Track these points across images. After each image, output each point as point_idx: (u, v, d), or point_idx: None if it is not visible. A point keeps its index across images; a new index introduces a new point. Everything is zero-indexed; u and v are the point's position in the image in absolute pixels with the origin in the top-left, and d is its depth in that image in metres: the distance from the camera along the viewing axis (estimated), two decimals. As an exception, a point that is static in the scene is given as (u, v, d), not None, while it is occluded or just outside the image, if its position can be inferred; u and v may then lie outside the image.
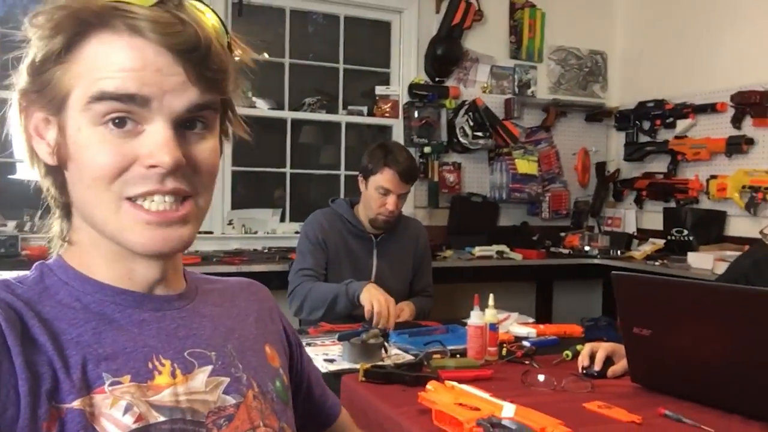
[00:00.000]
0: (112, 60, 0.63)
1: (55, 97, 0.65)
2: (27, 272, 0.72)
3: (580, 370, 1.71)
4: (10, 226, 3.17)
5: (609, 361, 1.71)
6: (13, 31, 0.66)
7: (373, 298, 2.18)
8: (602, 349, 1.72)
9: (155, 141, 0.64)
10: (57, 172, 0.70)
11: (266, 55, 3.85)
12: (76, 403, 0.62)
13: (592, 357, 1.72)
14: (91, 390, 0.64)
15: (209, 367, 0.73)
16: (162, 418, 0.66)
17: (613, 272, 1.57)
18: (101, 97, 0.62)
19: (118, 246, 0.69)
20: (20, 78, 0.67)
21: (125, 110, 0.63)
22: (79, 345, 0.65)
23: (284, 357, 0.88)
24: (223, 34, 0.69)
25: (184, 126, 0.67)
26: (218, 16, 0.70)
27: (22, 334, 0.63)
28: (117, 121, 0.63)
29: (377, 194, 2.46)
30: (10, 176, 3.32)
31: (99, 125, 0.64)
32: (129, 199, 0.65)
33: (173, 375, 0.69)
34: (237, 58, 0.73)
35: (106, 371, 0.65)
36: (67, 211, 0.72)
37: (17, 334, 0.62)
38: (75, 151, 0.65)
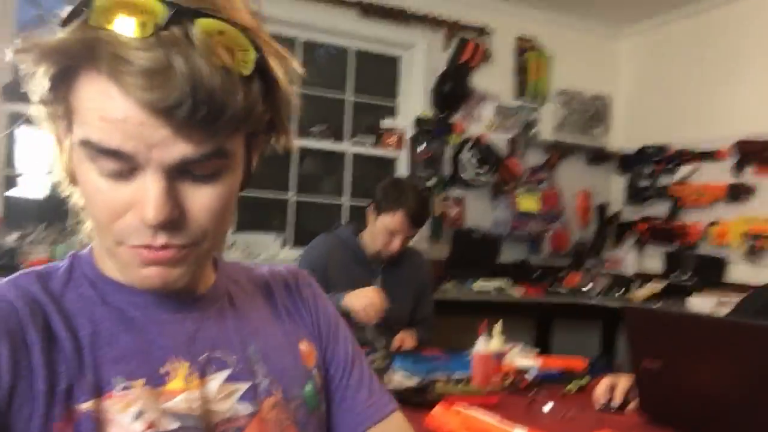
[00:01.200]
0: (95, 104, 0.56)
1: (65, 117, 0.61)
2: (61, 262, 0.71)
3: (596, 406, 1.68)
4: (11, 238, 3.15)
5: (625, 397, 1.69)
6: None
7: (356, 296, 2.17)
8: (622, 382, 1.69)
9: (144, 195, 0.58)
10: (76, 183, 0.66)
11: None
12: (87, 406, 0.61)
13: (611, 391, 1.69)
14: (103, 393, 0.62)
15: (226, 372, 0.70)
16: (174, 426, 0.64)
17: (626, 306, 1.57)
18: (88, 144, 0.58)
19: None
20: (38, 88, 0.61)
21: (114, 161, 0.57)
22: (95, 344, 0.64)
23: (319, 350, 0.83)
24: (247, 54, 0.58)
25: (185, 172, 0.59)
26: (247, 32, 0.59)
27: (44, 329, 0.62)
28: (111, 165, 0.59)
29: (385, 232, 2.45)
30: (9, 192, 3.33)
31: (95, 162, 0.59)
32: (126, 245, 0.62)
33: (188, 380, 0.67)
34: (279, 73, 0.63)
35: (119, 374, 0.64)
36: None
37: (39, 329, 0.61)
38: (78, 178, 0.63)
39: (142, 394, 0.63)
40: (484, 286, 3.82)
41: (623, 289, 4.07)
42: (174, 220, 0.59)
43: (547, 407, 1.65)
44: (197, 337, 0.70)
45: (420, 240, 4.12)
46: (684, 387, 1.49)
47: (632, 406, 1.65)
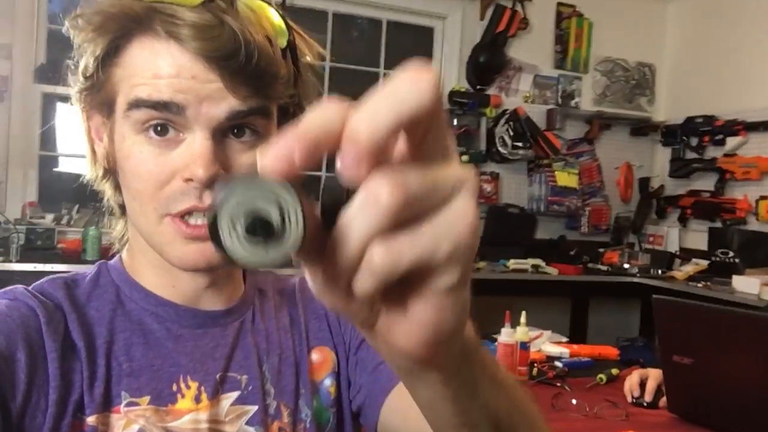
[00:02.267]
0: (149, 66, 0.60)
1: (106, 101, 0.63)
2: (89, 269, 0.71)
3: (629, 399, 1.63)
4: (48, 219, 3.22)
5: (659, 389, 1.62)
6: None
7: None
8: (653, 378, 1.63)
9: (191, 152, 0.60)
10: (113, 175, 0.68)
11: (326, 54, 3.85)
12: (93, 419, 0.61)
13: (641, 385, 1.64)
14: (109, 407, 0.62)
15: (236, 394, 0.68)
16: None
17: (654, 296, 1.50)
18: (137, 104, 0.60)
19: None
20: (77, 78, 0.65)
21: (163, 117, 0.60)
22: (109, 354, 0.64)
23: (343, 350, 0.77)
24: (283, 33, 0.64)
25: (230, 134, 0.62)
26: (281, 14, 0.65)
27: (63, 338, 0.62)
28: (159, 128, 0.60)
29: None
30: (55, 169, 3.39)
31: (140, 133, 0.61)
32: (171, 214, 0.62)
33: (197, 399, 0.65)
34: (308, 58, 0.68)
35: (126, 389, 0.63)
36: (124, 212, 0.71)
37: (58, 338, 0.61)
38: (120, 160, 0.64)
39: (145, 413, 0.63)
40: (520, 263, 3.74)
41: (665, 266, 3.94)
42: (220, 179, 0.60)
43: (572, 401, 1.59)
44: (214, 355, 0.69)
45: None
46: (715, 384, 1.42)
47: (664, 400, 1.59)
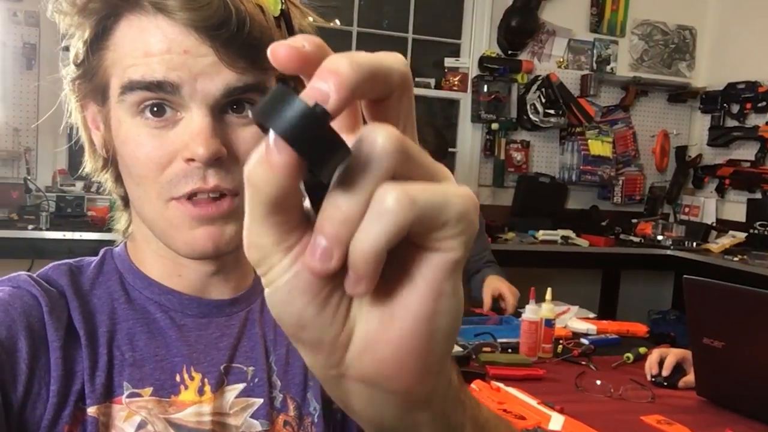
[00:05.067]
0: (138, 44, 0.57)
1: (99, 87, 0.61)
2: (94, 258, 0.70)
3: (648, 378, 1.59)
4: (78, 186, 3.25)
5: (680, 368, 1.58)
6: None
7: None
8: (672, 354, 1.59)
9: (190, 131, 0.57)
10: (113, 164, 0.65)
11: (338, 22, 3.77)
12: (93, 410, 0.59)
13: (661, 363, 1.59)
14: (112, 396, 0.61)
15: (241, 386, 0.66)
16: None
17: (684, 276, 1.44)
18: (131, 86, 0.57)
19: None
20: (69, 67, 0.63)
21: (158, 98, 0.57)
22: (111, 343, 0.62)
23: None
24: (276, 1, 0.61)
25: (229, 110, 0.59)
26: None
27: (66, 326, 0.61)
28: (155, 109, 0.58)
29: None
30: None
31: (136, 116, 0.59)
32: (175, 198, 0.60)
33: (200, 391, 0.64)
34: (305, 22, 0.66)
35: (129, 380, 0.61)
36: (127, 203, 0.69)
37: (60, 327, 0.60)
38: (119, 146, 0.61)
39: (147, 404, 0.61)
40: (549, 234, 3.67)
41: (701, 238, 3.83)
42: (222, 159, 0.58)
43: (597, 382, 1.56)
44: (219, 345, 0.67)
45: (482, 186, 4.00)
46: (746, 369, 1.37)
47: (686, 379, 1.54)
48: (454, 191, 0.28)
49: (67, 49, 0.63)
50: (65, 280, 0.64)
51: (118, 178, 0.66)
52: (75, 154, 3.44)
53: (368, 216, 0.26)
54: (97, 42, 0.59)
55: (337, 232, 0.26)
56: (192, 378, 0.64)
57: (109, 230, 0.73)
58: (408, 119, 0.30)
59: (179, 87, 0.57)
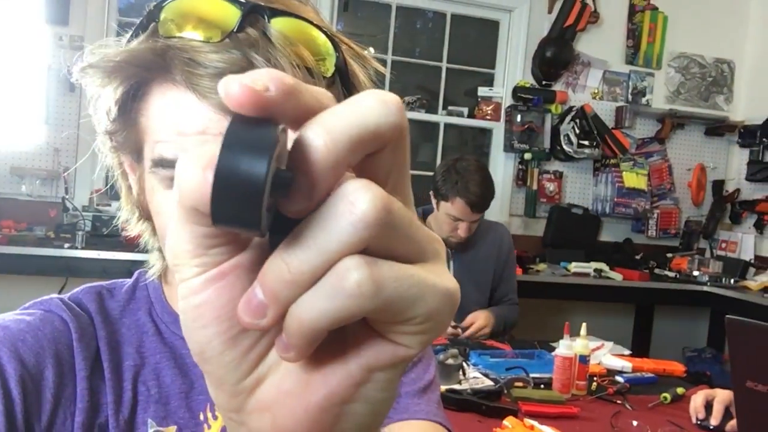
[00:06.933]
0: (170, 120, 0.52)
1: (134, 146, 0.58)
2: (127, 281, 0.69)
3: (693, 420, 1.54)
4: (114, 206, 3.30)
5: (727, 412, 1.52)
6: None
7: None
8: (720, 401, 1.53)
9: None
10: (149, 219, 0.62)
11: (371, 50, 3.81)
12: None
13: (707, 406, 1.54)
14: None
15: None
16: None
17: (727, 316, 1.39)
18: (162, 163, 0.54)
19: None
20: (102, 117, 0.59)
21: None
22: (137, 378, 0.62)
23: None
24: (330, 55, 0.53)
25: None
26: (327, 30, 0.54)
27: (95, 355, 0.60)
28: None
29: (449, 220, 2.33)
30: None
31: (169, 188, 0.55)
32: None
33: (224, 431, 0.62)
34: (361, 77, 0.58)
35: (153, 417, 0.61)
36: (162, 253, 0.66)
37: (89, 355, 0.60)
38: (153, 215, 0.59)
39: None
40: (582, 267, 3.61)
41: (738, 275, 3.73)
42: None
43: (633, 423, 1.51)
44: None
45: (514, 216, 3.96)
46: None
47: (733, 423, 1.48)
48: (433, 284, 0.24)
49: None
50: (94, 306, 0.64)
51: (154, 231, 0.63)
52: (112, 174, 3.50)
53: (321, 286, 0.22)
54: (130, 103, 0.55)
55: (278, 291, 0.23)
56: (216, 417, 0.63)
57: (143, 251, 0.71)
58: (400, 173, 0.26)
59: None
